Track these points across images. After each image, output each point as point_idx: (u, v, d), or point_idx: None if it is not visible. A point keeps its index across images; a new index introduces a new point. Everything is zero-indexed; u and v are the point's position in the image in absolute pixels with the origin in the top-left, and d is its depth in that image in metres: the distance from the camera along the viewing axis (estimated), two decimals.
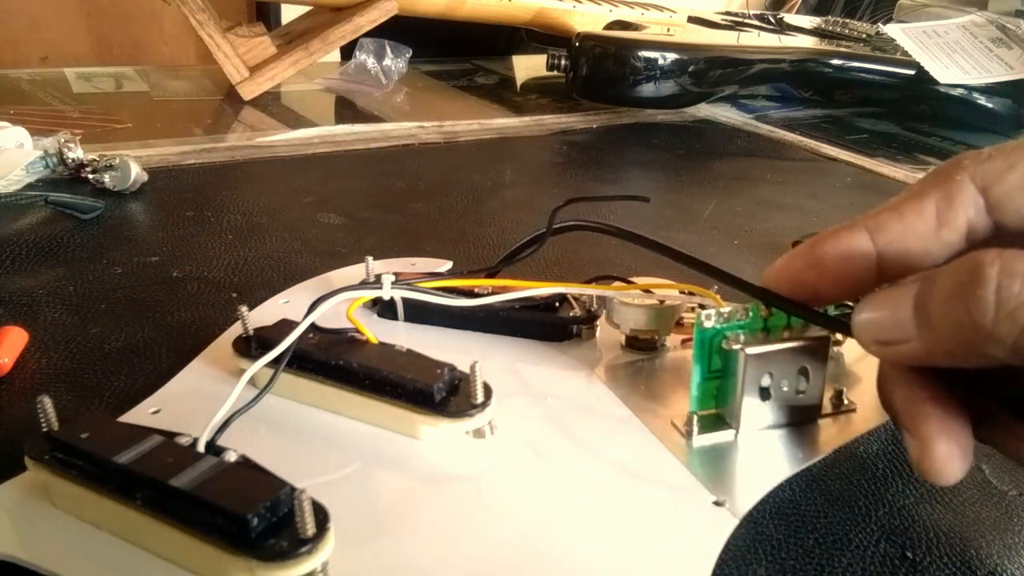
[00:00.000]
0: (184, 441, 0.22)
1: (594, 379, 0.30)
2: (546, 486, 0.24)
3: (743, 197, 0.57)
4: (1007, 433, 0.24)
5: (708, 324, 0.26)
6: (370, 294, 0.30)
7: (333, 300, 0.27)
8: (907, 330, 0.21)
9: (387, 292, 0.29)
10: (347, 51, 0.79)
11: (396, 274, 0.30)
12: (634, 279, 0.33)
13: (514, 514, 0.23)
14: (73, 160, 0.50)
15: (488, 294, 0.31)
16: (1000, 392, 0.24)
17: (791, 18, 1.00)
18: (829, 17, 1.05)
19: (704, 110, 0.80)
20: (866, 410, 0.28)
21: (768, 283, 0.25)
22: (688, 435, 0.26)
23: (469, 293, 0.31)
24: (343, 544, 0.20)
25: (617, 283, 0.32)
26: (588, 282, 0.33)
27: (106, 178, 0.49)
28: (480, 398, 0.25)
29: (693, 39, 0.79)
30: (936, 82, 0.76)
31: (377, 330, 0.28)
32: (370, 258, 0.33)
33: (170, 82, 0.77)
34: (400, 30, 0.77)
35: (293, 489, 0.20)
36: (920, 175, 0.64)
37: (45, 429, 0.22)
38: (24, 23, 1.25)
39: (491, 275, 0.33)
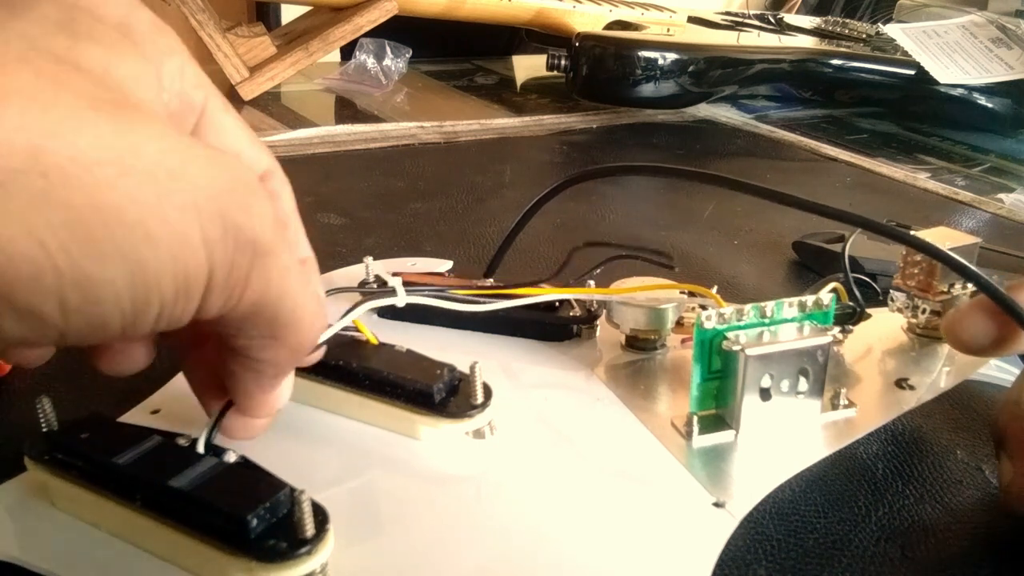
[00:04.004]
0: (184, 441, 0.22)
1: (594, 379, 0.30)
2: (545, 486, 0.24)
3: (743, 197, 0.57)
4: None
5: (708, 325, 0.26)
6: (385, 301, 0.30)
7: (357, 311, 0.27)
8: None
9: (401, 300, 0.29)
10: (347, 51, 0.79)
11: (395, 274, 0.30)
12: (639, 278, 0.33)
13: (514, 514, 0.23)
14: None
15: (487, 295, 0.31)
16: None
17: (791, 18, 1.00)
18: (829, 17, 1.05)
19: (704, 110, 0.80)
20: (866, 410, 0.28)
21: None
22: (688, 436, 0.26)
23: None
24: (343, 544, 0.20)
25: (618, 282, 0.32)
26: (596, 267, 0.32)
27: None
28: (480, 399, 0.25)
29: (693, 39, 0.79)
30: (936, 82, 0.76)
31: (377, 330, 0.28)
32: (370, 258, 0.33)
33: None
34: (400, 30, 0.77)
35: (293, 490, 0.20)
36: (920, 175, 0.64)
37: (45, 429, 0.22)
38: None
39: (491, 271, 0.33)
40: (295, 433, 0.26)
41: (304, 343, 0.20)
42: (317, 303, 0.21)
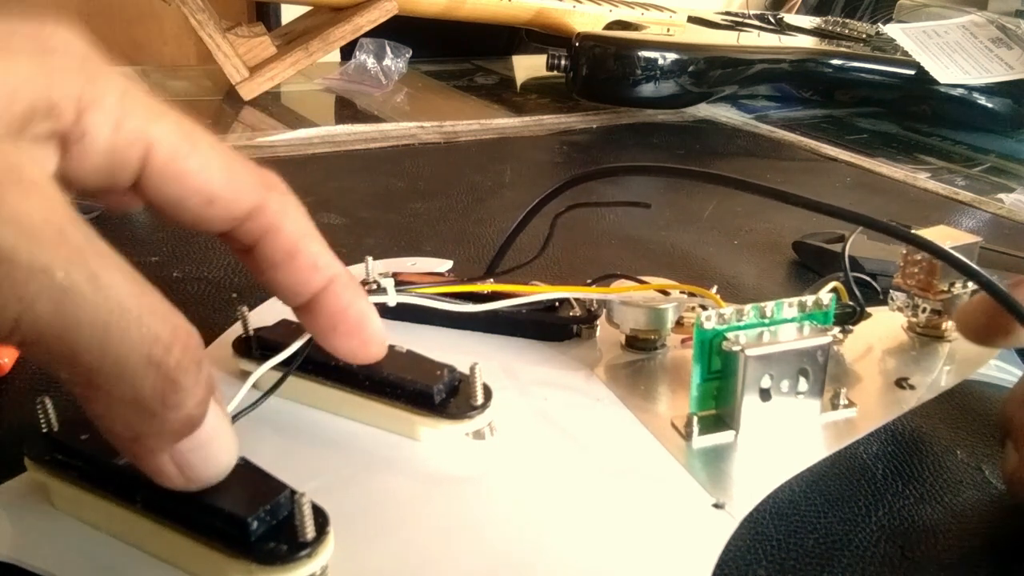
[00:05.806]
0: None
1: (594, 379, 0.30)
2: (545, 487, 0.24)
3: (743, 197, 0.57)
4: None
5: (708, 325, 0.26)
6: (375, 300, 0.29)
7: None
8: None
9: (392, 299, 0.29)
10: (347, 51, 0.79)
11: (395, 274, 0.30)
12: (641, 278, 0.33)
13: (514, 516, 0.23)
14: None
15: (488, 295, 0.31)
16: None
17: (791, 18, 1.00)
18: (829, 17, 1.05)
19: (704, 110, 0.80)
20: (866, 410, 0.28)
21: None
22: (688, 436, 0.26)
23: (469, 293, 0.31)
24: (343, 547, 0.20)
25: (620, 282, 0.32)
26: (594, 281, 0.32)
27: None
28: (480, 399, 0.25)
29: (693, 39, 0.79)
30: (936, 82, 0.76)
31: None
32: (370, 258, 0.33)
33: (170, 82, 0.77)
34: (400, 30, 0.77)
35: (293, 492, 0.20)
36: (920, 175, 0.64)
37: (45, 430, 0.22)
38: None
39: (491, 271, 0.33)
40: (295, 434, 0.26)
41: (150, 403, 0.15)
42: (160, 347, 0.15)
